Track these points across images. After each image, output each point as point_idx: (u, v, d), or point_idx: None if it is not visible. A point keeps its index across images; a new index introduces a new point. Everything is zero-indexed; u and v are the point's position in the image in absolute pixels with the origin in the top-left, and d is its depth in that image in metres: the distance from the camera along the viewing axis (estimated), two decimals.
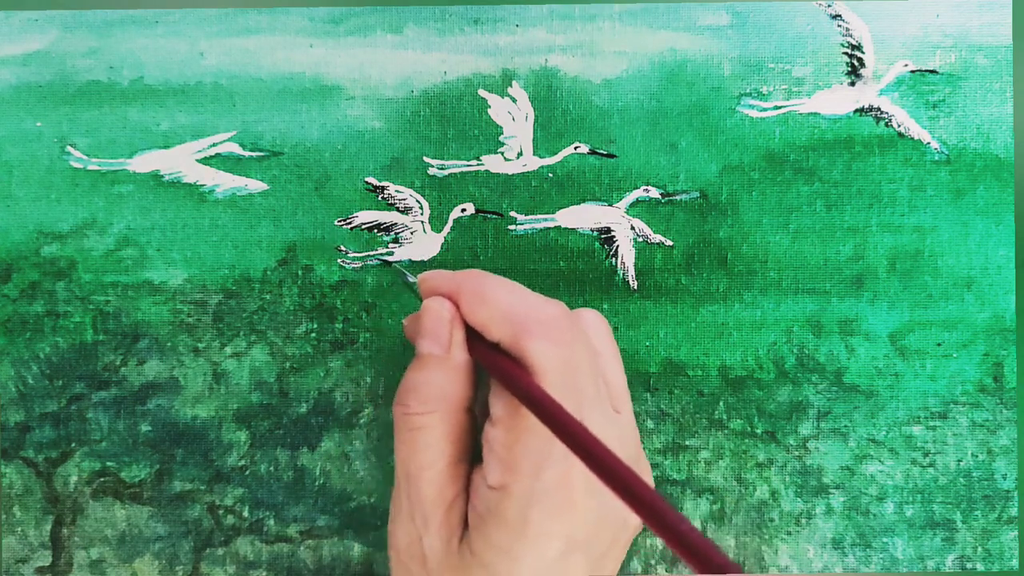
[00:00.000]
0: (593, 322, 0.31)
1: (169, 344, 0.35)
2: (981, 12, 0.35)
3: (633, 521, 0.29)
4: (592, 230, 0.35)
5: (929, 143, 0.35)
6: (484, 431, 0.28)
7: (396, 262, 0.34)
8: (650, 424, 0.35)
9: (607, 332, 0.31)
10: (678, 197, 0.35)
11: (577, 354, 0.28)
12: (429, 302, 0.30)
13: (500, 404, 0.27)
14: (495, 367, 0.28)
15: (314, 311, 0.35)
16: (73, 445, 0.35)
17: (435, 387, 0.28)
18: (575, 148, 0.35)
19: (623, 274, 0.35)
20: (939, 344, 0.35)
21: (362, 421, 0.35)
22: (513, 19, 0.35)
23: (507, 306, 0.28)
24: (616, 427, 0.29)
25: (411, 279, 0.33)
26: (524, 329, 0.27)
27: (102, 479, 0.35)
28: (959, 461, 0.35)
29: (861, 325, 0.35)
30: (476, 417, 0.30)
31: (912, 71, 0.35)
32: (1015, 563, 0.35)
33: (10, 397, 0.34)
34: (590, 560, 0.28)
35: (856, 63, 0.35)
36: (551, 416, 0.24)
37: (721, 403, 0.35)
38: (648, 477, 0.31)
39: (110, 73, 0.35)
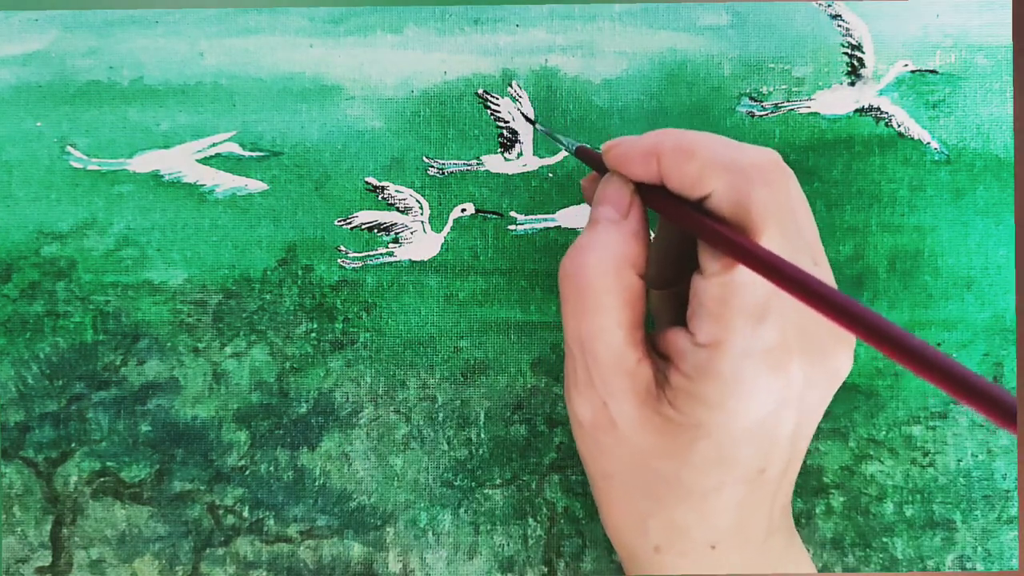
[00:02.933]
0: (784, 166, 0.29)
1: (169, 344, 0.35)
2: (981, 12, 0.35)
3: (843, 371, 0.28)
4: None
5: (929, 143, 0.35)
6: (693, 287, 0.27)
7: (543, 127, 0.34)
8: None
9: (796, 180, 0.29)
10: None
11: (793, 201, 0.27)
12: (610, 174, 0.29)
13: (712, 260, 0.26)
14: (702, 226, 0.26)
15: (314, 311, 0.35)
16: (73, 445, 0.35)
17: (609, 248, 0.27)
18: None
19: None
20: (939, 344, 0.35)
21: (362, 421, 0.35)
22: (513, 19, 0.35)
23: (719, 154, 0.26)
24: (822, 264, 0.28)
25: (568, 144, 0.32)
26: (742, 176, 0.26)
27: (102, 479, 0.35)
28: (959, 461, 0.35)
29: None
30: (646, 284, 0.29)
31: (912, 71, 0.35)
32: (1015, 563, 0.35)
33: (10, 397, 0.34)
34: (800, 413, 0.27)
35: (856, 63, 0.35)
36: (773, 266, 0.23)
37: None
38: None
39: (110, 73, 0.35)
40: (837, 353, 0.27)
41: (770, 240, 0.25)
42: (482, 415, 0.35)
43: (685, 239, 0.30)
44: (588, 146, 0.31)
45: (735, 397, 0.26)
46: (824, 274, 0.28)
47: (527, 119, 0.34)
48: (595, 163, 0.30)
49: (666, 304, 0.31)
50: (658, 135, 0.28)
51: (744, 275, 0.26)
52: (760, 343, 0.26)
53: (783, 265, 0.23)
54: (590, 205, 0.30)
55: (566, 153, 0.35)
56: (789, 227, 0.26)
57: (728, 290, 0.26)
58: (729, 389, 0.26)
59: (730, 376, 0.26)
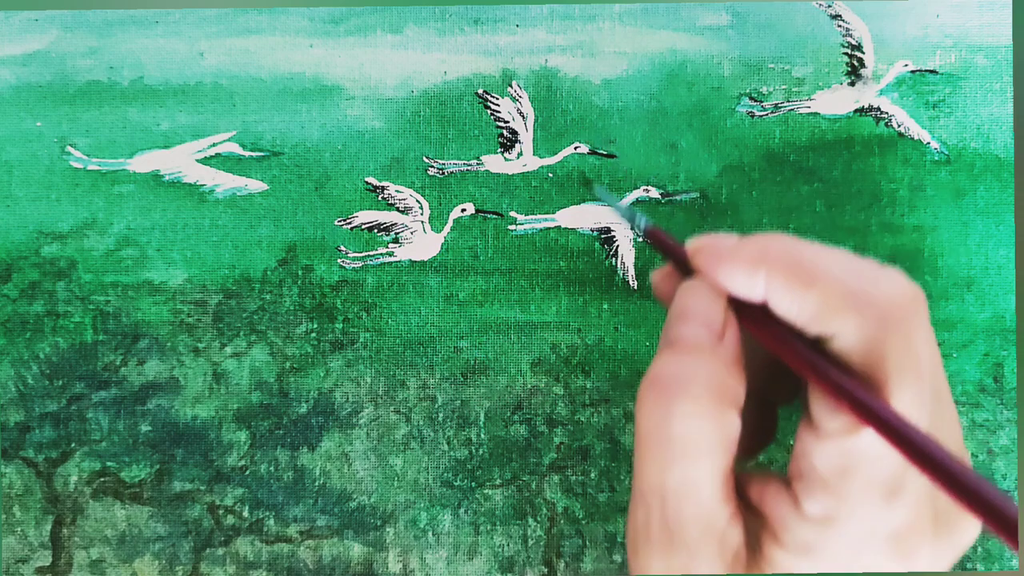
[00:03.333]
0: (924, 301, 0.23)
1: (169, 344, 0.35)
2: (981, 12, 0.35)
3: (967, 545, 0.23)
4: (592, 230, 0.35)
5: (929, 143, 0.35)
6: (800, 442, 0.22)
7: (610, 198, 0.29)
8: None
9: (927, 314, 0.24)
10: (678, 197, 0.35)
11: (929, 348, 0.22)
12: (695, 282, 0.23)
13: (830, 417, 0.21)
14: (822, 373, 0.21)
15: (314, 311, 0.35)
16: (73, 445, 0.35)
17: (703, 382, 0.22)
18: (575, 148, 0.35)
19: (623, 274, 0.35)
20: (939, 344, 0.35)
21: (362, 421, 0.35)
22: (513, 19, 0.35)
23: (847, 286, 0.21)
24: (952, 418, 0.23)
25: (638, 222, 0.26)
26: (878, 323, 0.21)
27: (102, 479, 0.35)
28: None
29: None
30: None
31: (912, 71, 0.35)
32: (1015, 563, 0.35)
33: (10, 397, 0.34)
34: None
35: (856, 63, 0.35)
36: (911, 441, 0.19)
37: None
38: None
39: (110, 73, 0.35)
40: (968, 526, 0.23)
41: (904, 401, 0.21)
42: (482, 415, 0.35)
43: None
44: (660, 229, 0.26)
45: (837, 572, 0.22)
46: (948, 413, 0.23)
47: (588, 185, 0.31)
48: (673, 255, 0.25)
49: (754, 419, 0.25)
50: (765, 242, 0.23)
51: (871, 442, 0.21)
52: (888, 525, 0.22)
53: (920, 438, 0.19)
54: (662, 303, 0.25)
55: (567, 153, 0.35)
56: (926, 384, 0.21)
57: (851, 459, 0.21)
58: (837, 567, 0.22)
59: (844, 561, 0.22)
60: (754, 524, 0.23)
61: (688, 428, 0.22)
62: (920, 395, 0.21)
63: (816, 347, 0.22)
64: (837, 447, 0.21)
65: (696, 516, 0.22)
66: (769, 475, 0.23)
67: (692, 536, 0.22)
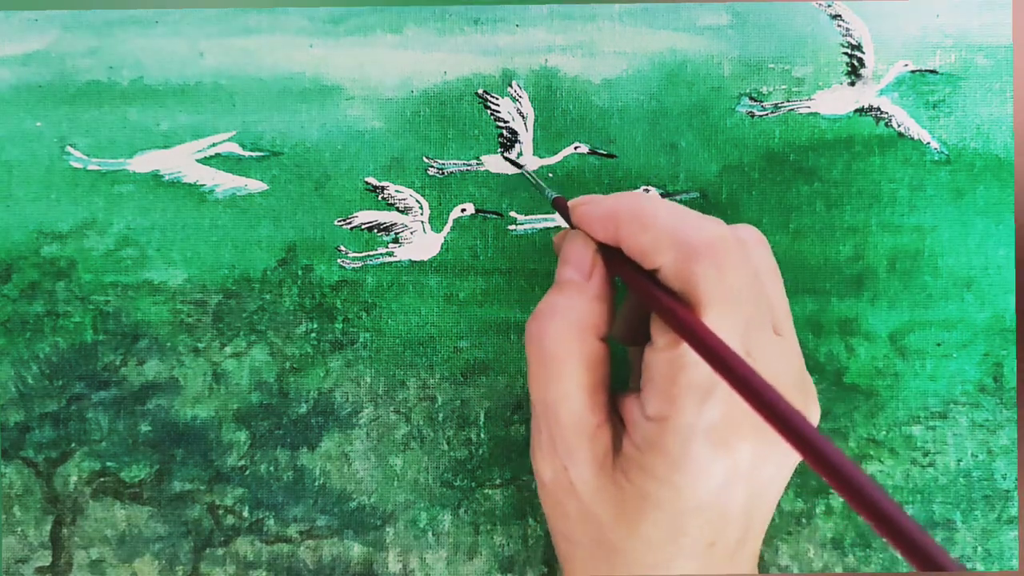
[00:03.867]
0: (752, 239, 0.29)
1: (169, 344, 0.35)
2: (981, 12, 0.35)
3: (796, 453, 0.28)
4: None
5: (929, 143, 0.35)
6: (644, 358, 0.27)
7: (528, 172, 0.34)
8: None
9: (767, 249, 0.30)
10: (678, 197, 0.35)
11: (742, 277, 0.26)
12: (574, 231, 0.29)
13: (662, 334, 0.26)
14: (653, 298, 0.26)
15: (314, 311, 0.35)
16: (73, 445, 0.35)
17: (571, 313, 0.28)
18: (575, 148, 0.35)
19: None
20: (939, 344, 0.35)
21: (362, 421, 0.35)
22: (513, 19, 0.35)
23: (671, 229, 0.26)
24: (779, 350, 0.28)
25: (547, 193, 0.32)
26: (689, 254, 0.26)
27: (102, 479, 0.35)
28: (959, 461, 0.35)
29: (861, 325, 0.35)
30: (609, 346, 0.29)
31: (912, 71, 0.35)
32: (1015, 563, 0.35)
33: (10, 397, 0.34)
34: (752, 489, 0.27)
35: (856, 63, 0.35)
36: (713, 353, 0.24)
37: None
38: (813, 399, 0.30)
39: (110, 73, 0.35)
40: None
41: (714, 320, 0.25)
42: (482, 415, 0.35)
43: None
44: (565, 198, 0.31)
45: (681, 473, 0.26)
46: (788, 345, 0.29)
47: (509, 160, 0.34)
48: (568, 216, 0.30)
49: (639, 360, 0.30)
50: (619, 199, 0.28)
51: (691, 352, 0.25)
52: (705, 421, 0.26)
53: (721, 348, 0.24)
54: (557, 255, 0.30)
55: (567, 153, 0.35)
56: (743, 305, 0.26)
57: (675, 366, 0.26)
58: (675, 465, 0.26)
59: (676, 452, 0.26)
60: (620, 431, 0.28)
61: (557, 348, 0.27)
62: (729, 317, 0.25)
63: (654, 279, 0.27)
64: (666, 357, 0.26)
65: (569, 421, 0.27)
66: (631, 392, 0.28)
67: (569, 439, 0.27)
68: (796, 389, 0.28)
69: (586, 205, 0.29)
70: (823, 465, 0.20)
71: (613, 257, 0.28)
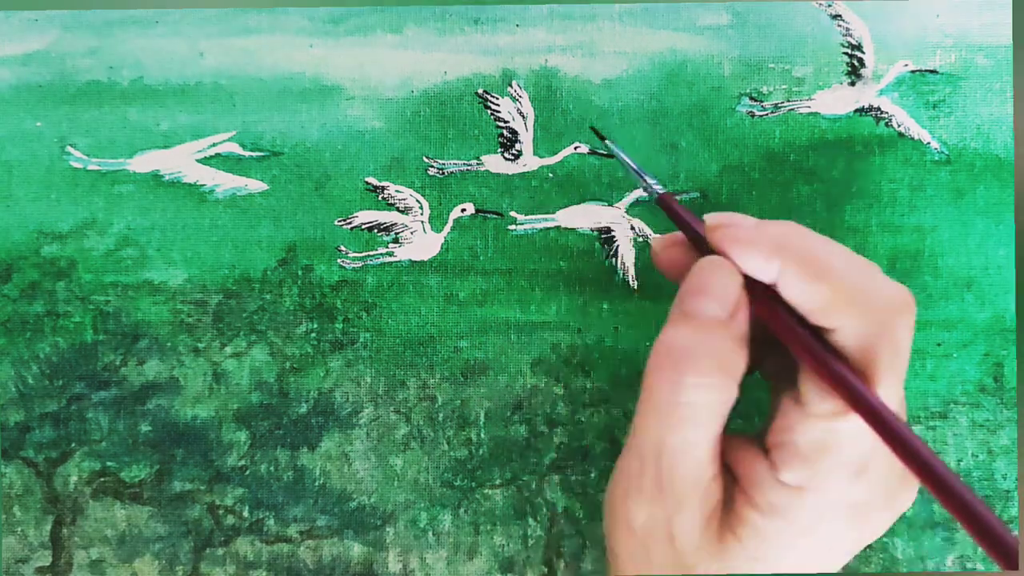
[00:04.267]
0: (913, 305, 0.26)
1: (169, 344, 0.35)
2: (981, 12, 0.35)
3: (904, 510, 0.27)
4: (592, 230, 0.35)
5: (929, 143, 0.35)
6: (784, 416, 0.25)
7: (623, 157, 0.30)
8: None
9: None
10: (678, 197, 0.35)
11: (910, 345, 0.24)
12: (716, 258, 0.25)
13: (820, 400, 0.24)
14: (819, 360, 0.23)
15: (314, 311, 0.35)
16: (73, 445, 0.35)
17: (714, 357, 0.24)
18: (575, 148, 0.35)
19: (623, 274, 0.35)
20: (939, 344, 0.35)
21: (362, 421, 0.35)
22: (513, 19, 0.35)
23: (855, 288, 0.23)
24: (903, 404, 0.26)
25: (651, 187, 0.28)
26: (877, 324, 0.23)
27: (102, 479, 0.35)
28: (959, 461, 0.35)
29: None
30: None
31: (912, 71, 0.35)
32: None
33: (10, 397, 0.34)
34: (852, 553, 0.26)
35: (856, 63, 0.35)
36: (891, 429, 0.22)
37: None
38: None
39: (110, 73, 0.35)
40: (907, 497, 0.26)
41: (885, 391, 0.23)
42: (482, 415, 0.35)
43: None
44: (674, 198, 0.27)
45: (803, 541, 0.24)
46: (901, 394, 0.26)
47: (604, 141, 0.31)
48: (686, 227, 0.27)
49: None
50: (784, 231, 0.25)
51: (853, 425, 0.23)
52: (851, 497, 0.24)
53: (899, 426, 0.22)
54: (663, 272, 0.27)
55: (567, 153, 0.35)
56: (902, 375, 0.24)
57: (832, 438, 0.23)
58: (801, 535, 0.24)
59: (809, 525, 0.24)
60: (729, 484, 0.25)
61: (695, 397, 0.24)
62: (897, 388, 0.23)
63: (814, 330, 0.24)
64: (822, 427, 0.23)
65: (687, 473, 0.24)
66: (747, 441, 0.26)
67: (681, 490, 0.24)
68: None
69: (734, 229, 0.25)
70: (997, 552, 0.20)
71: (757, 294, 0.25)
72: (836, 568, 0.26)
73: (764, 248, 0.24)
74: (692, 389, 0.24)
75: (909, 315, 0.24)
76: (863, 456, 0.24)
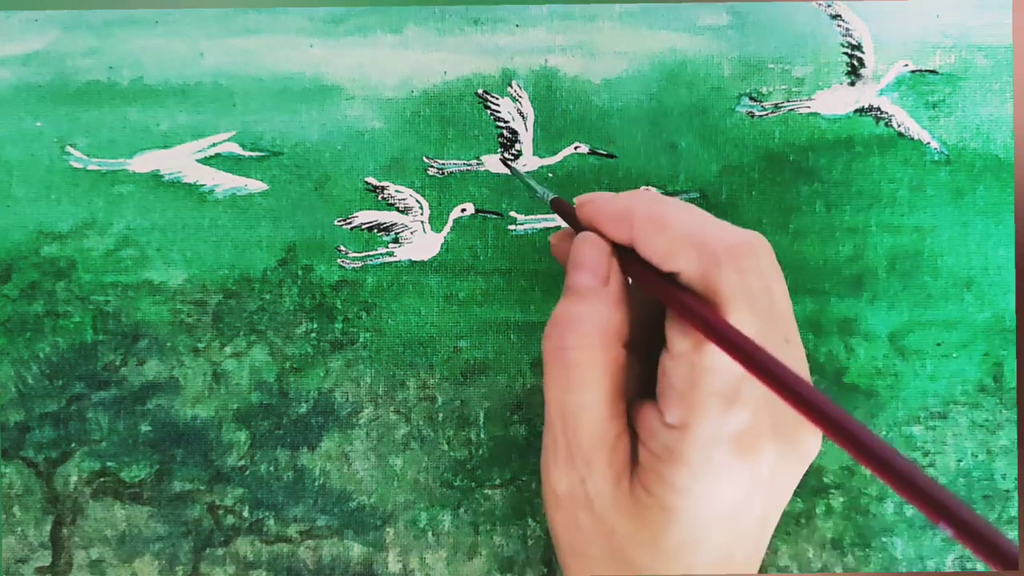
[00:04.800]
0: (760, 245, 0.28)
1: (169, 344, 0.35)
2: (981, 12, 0.35)
3: (812, 453, 0.27)
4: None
5: (929, 143, 0.35)
6: (661, 364, 0.26)
7: (519, 172, 0.33)
8: None
9: (772, 256, 0.28)
10: (678, 197, 0.35)
11: (760, 282, 0.26)
12: (586, 234, 0.28)
13: (681, 338, 0.25)
14: (674, 300, 0.25)
15: (314, 311, 0.35)
16: (73, 445, 0.35)
17: (592, 320, 0.26)
18: (575, 148, 0.35)
19: None
20: (939, 344, 0.35)
21: (362, 421, 0.35)
22: (513, 19, 0.35)
23: (690, 232, 0.26)
24: (789, 358, 0.26)
25: (542, 194, 0.31)
26: (712, 258, 0.25)
27: (102, 479, 0.35)
28: (959, 461, 0.35)
29: (861, 325, 0.35)
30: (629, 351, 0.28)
31: (912, 71, 0.35)
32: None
33: (10, 397, 0.34)
34: (769, 497, 0.27)
35: (856, 63, 0.35)
36: (744, 351, 0.23)
37: None
38: None
39: (110, 73, 0.35)
40: (806, 435, 0.27)
41: (740, 323, 0.25)
42: (482, 415, 0.35)
43: (659, 303, 0.28)
44: (561, 199, 0.30)
45: (703, 482, 0.25)
46: (796, 352, 0.28)
47: (504, 163, 0.34)
48: (570, 218, 0.29)
49: (635, 370, 0.29)
50: (632, 197, 0.27)
51: (714, 356, 0.25)
52: (729, 427, 0.25)
53: (753, 348, 0.23)
54: (560, 263, 0.29)
55: (567, 153, 0.35)
56: (761, 310, 0.25)
57: (697, 371, 0.25)
58: (697, 474, 0.25)
59: (698, 461, 0.25)
60: (635, 441, 0.27)
61: (579, 358, 0.26)
62: (749, 321, 0.25)
63: (670, 279, 0.26)
64: (686, 362, 0.25)
65: (589, 432, 0.26)
66: (645, 399, 0.27)
67: (586, 449, 0.27)
68: None
69: (595, 203, 0.28)
70: (869, 457, 0.20)
71: (624, 258, 0.28)
72: (761, 521, 0.27)
73: (615, 214, 0.27)
74: (575, 351, 0.26)
75: (751, 254, 0.26)
76: (730, 384, 0.25)
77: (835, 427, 0.21)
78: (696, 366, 0.25)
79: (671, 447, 0.26)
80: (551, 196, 0.31)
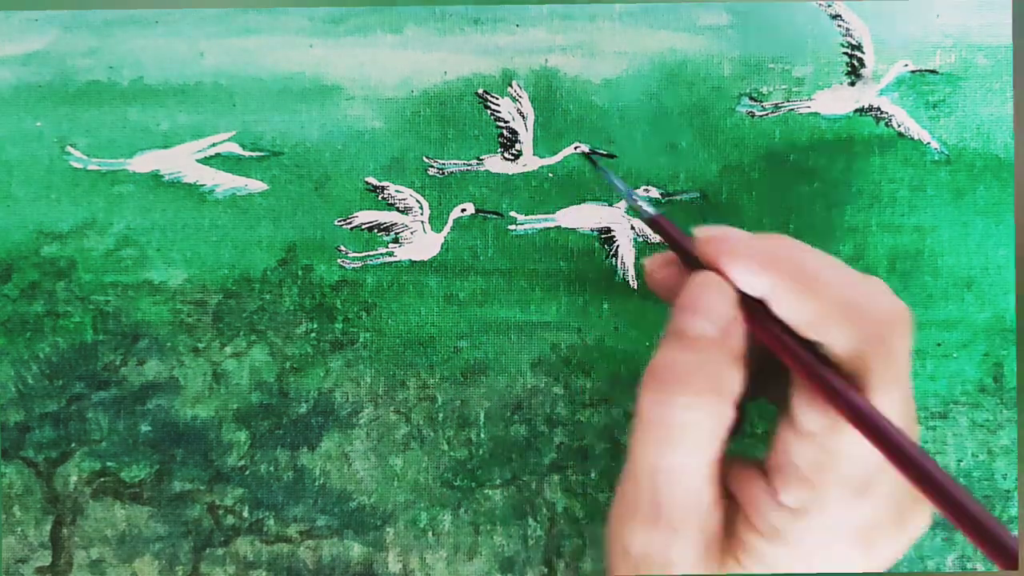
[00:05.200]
0: (910, 319, 0.25)
1: (169, 344, 0.35)
2: (981, 12, 0.35)
3: (920, 532, 0.25)
4: (592, 230, 0.35)
5: (929, 143, 0.35)
6: (781, 439, 0.24)
7: (615, 178, 0.29)
8: None
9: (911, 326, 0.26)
10: (678, 197, 0.35)
11: (907, 354, 0.23)
12: (709, 274, 0.24)
13: (813, 415, 0.23)
14: (812, 372, 0.23)
15: (314, 311, 0.35)
16: (73, 445, 0.35)
17: (708, 377, 0.23)
18: (575, 148, 0.35)
19: (623, 274, 0.35)
20: (939, 344, 0.35)
21: (362, 421, 0.35)
22: (513, 19, 0.35)
23: (844, 302, 0.23)
24: (912, 421, 0.25)
25: (645, 210, 0.27)
26: (873, 336, 0.22)
27: (102, 479, 0.35)
28: (959, 461, 0.35)
29: None
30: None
31: (912, 71, 0.35)
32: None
33: (10, 397, 0.34)
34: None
35: (856, 63, 0.35)
36: (891, 441, 0.21)
37: None
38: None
39: (110, 73, 0.35)
40: (923, 516, 0.25)
41: (880, 400, 0.22)
42: (482, 415, 0.35)
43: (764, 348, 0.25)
44: (666, 219, 0.26)
45: (804, 563, 0.23)
46: (914, 427, 0.25)
47: (589, 157, 0.31)
48: (677, 244, 0.26)
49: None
50: (775, 244, 0.24)
51: (852, 441, 0.22)
52: (856, 519, 0.23)
53: (899, 439, 0.21)
54: (656, 292, 0.26)
55: (567, 153, 0.35)
56: (904, 392, 0.23)
57: (829, 457, 0.23)
58: (805, 558, 0.23)
59: (813, 548, 0.23)
60: (730, 509, 0.25)
61: (686, 418, 0.23)
62: (897, 401, 0.23)
63: (806, 344, 0.23)
64: (817, 445, 0.23)
65: (684, 498, 0.24)
66: (748, 464, 0.25)
67: (677, 515, 0.24)
68: None
69: (726, 242, 0.24)
70: (997, 554, 0.19)
71: (750, 310, 0.24)
72: None
73: (755, 260, 0.24)
74: (683, 410, 0.23)
75: (904, 327, 0.23)
76: (864, 473, 0.23)
77: (974, 525, 0.20)
78: (829, 451, 0.23)
79: (783, 530, 0.23)
80: (653, 212, 0.27)
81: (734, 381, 0.24)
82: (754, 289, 0.24)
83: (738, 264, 0.24)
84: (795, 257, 0.24)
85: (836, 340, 0.23)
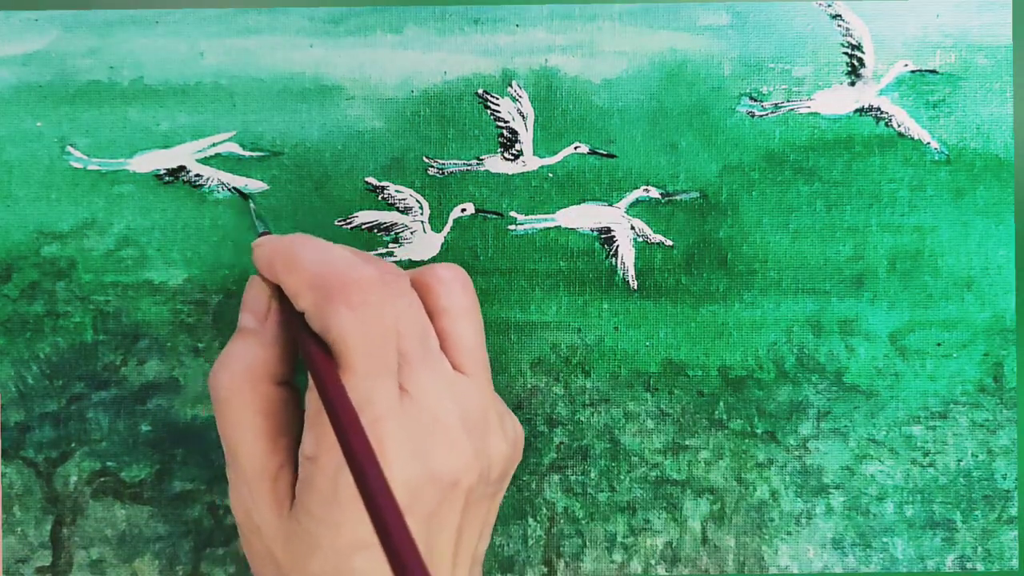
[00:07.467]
0: (443, 277, 0.30)
1: (169, 344, 0.35)
2: (981, 12, 0.35)
3: (465, 482, 0.28)
4: (592, 230, 0.35)
5: (929, 143, 0.35)
6: (306, 400, 0.28)
7: (254, 207, 0.34)
8: (650, 424, 0.35)
9: (461, 287, 0.30)
10: (678, 197, 0.35)
11: (386, 316, 0.26)
12: (254, 276, 0.30)
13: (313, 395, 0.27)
14: (300, 340, 0.27)
15: None
16: (73, 445, 0.35)
17: (243, 360, 0.28)
18: (575, 148, 0.35)
19: (623, 274, 0.35)
20: (939, 344, 0.35)
21: None
22: (513, 19, 0.35)
23: (313, 271, 0.27)
24: (454, 388, 0.28)
25: (260, 229, 0.33)
26: (326, 296, 0.26)
27: (102, 479, 0.35)
28: (959, 461, 0.35)
29: (861, 325, 0.35)
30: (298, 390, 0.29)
31: (912, 71, 0.35)
32: (1015, 563, 0.35)
33: (10, 397, 0.34)
34: (417, 521, 0.27)
35: (856, 63, 0.35)
36: (334, 414, 0.24)
37: (721, 403, 0.35)
38: (498, 439, 0.30)
39: (110, 73, 0.35)
40: (450, 464, 0.27)
41: (359, 360, 0.26)
42: None
43: None
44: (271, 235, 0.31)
45: (335, 510, 0.26)
46: (472, 383, 0.29)
47: (240, 192, 0.34)
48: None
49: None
50: (282, 240, 0.28)
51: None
52: None
53: (340, 401, 0.24)
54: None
55: (567, 153, 0.35)
56: (377, 345, 0.26)
57: (321, 404, 0.26)
58: (328, 502, 0.26)
59: (327, 490, 0.26)
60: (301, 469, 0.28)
61: (230, 396, 0.28)
62: (374, 356, 0.26)
63: (304, 322, 0.27)
64: (315, 395, 0.26)
65: (249, 466, 0.28)
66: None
67: (249, 481, 0.28)
68: (466, 427, 0.28)
69: (259, 247, 0.29)
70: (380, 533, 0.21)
71: (285, 305, 0.29)
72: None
73: (263, 257, 0.29)
74: (224, 390, 0.28)
75: (365, 288, 0.26)
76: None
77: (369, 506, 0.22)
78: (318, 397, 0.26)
79: (307, 477, 0.27)
80: (260, 231, 0.33)
81: (267, 360, 0.28)
82: (272, 279, 0.28)
83: (258, 263, 0.29)
84: (288, 245, 0.28)
85: (306, 306, 0.27)
